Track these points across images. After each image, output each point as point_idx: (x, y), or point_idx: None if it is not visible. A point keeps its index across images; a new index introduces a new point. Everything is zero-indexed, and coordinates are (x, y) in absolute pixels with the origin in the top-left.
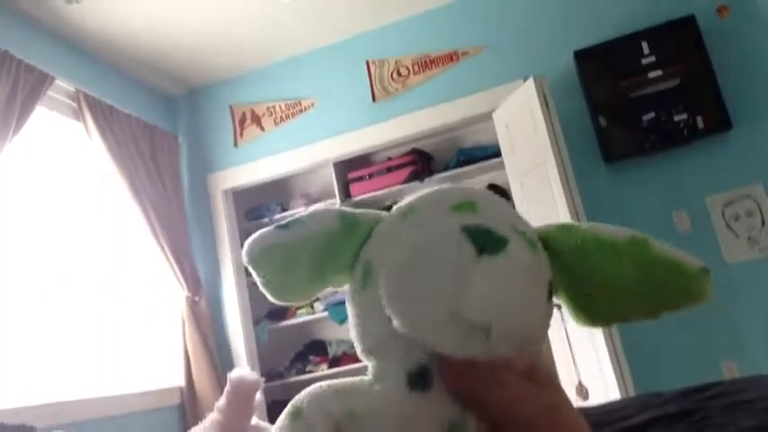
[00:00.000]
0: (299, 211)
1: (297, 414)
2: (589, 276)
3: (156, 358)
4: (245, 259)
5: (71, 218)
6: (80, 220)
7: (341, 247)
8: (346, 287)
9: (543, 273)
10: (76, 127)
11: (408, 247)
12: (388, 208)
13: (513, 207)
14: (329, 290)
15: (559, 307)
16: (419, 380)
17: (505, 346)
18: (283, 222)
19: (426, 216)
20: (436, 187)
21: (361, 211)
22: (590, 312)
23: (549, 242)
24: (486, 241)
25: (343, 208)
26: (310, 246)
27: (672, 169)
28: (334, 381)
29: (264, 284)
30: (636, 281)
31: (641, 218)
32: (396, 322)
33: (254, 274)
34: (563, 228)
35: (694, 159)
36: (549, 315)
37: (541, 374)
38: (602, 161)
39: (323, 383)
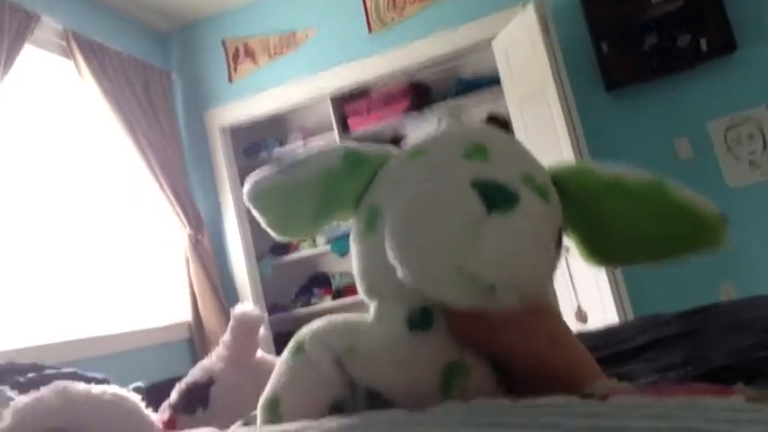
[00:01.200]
0: (297, 146)
1: (299, 349)
2: (603, 220)
3: (163, 295)
4: (246, 199)
5: (70, 158)
6: (80, 161)
7: (345, 186)
8: (351, 222)
9: (553, 223)
10: (67, 65)
11: (417, 199)
12: (390, 141)
13: (526, 150)
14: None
15: (567, 250)
16: (420, 321)
17: (511, 302)
18: (285, 164)
19: (436, 162)
20: (446, 127)
21: (369, 146)
22: (601, 253)
23: (563, 184)
24: (497, 197)
25: (349, 144)
26: (313, 187)
27: (673, 95)
28: (336, 316)
29: (267, 225)
30: (652, 227)
31: (642, 145)
32: (400, 273)
33: (256, 215)
34: (577, 169)
35: (697, 84)
36: (557, 263)
37: (540, 303)
38: (603, 89)
39: (324, 319)
